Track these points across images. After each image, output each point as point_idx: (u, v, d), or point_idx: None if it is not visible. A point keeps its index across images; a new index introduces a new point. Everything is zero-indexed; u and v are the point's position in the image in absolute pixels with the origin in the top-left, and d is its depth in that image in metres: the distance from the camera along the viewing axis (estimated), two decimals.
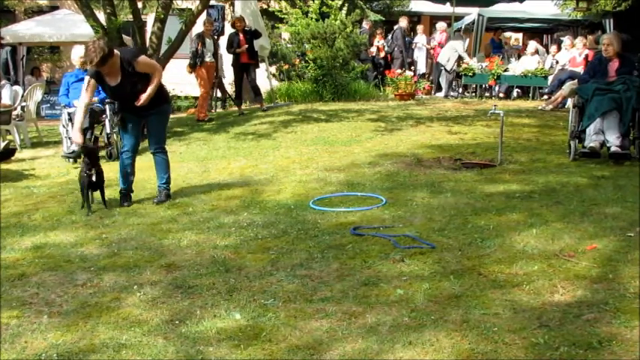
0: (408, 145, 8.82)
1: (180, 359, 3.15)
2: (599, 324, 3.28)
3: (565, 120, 8.78)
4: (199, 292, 3.97)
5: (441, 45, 17.05)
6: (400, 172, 7.21)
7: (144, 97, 6.04)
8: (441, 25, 17.73)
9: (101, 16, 12.09)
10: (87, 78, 6.16)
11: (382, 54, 16.90)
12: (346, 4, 14.38)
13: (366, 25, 16.37)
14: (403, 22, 17.07)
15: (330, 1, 14.16)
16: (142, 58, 6.27)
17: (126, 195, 6.40)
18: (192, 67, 12.07)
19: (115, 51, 5.98)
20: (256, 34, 12.47)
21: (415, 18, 21.76)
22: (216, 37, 12.58)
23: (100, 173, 6.19)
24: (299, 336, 3.32)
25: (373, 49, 16.67)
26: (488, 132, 9.65)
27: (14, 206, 6.45)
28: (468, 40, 16.27)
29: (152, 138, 6.45)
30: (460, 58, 14.96)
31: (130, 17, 12.66)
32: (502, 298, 3.67)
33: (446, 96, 15.24)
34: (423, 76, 17.08)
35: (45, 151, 10.01)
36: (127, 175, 6.41)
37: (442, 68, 15.93)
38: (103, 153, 9.04)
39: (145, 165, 8.56)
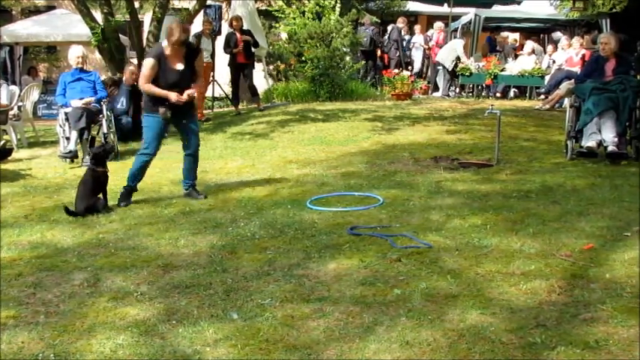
0: (405, 145, 8.82)
1: (178, 359, 3.15)
2: (596, 323, 3.29)
3: (562, 120, 8.79)
4: (196, 292, 3.96)
5: (438, 45, 17.08)
6: (397, 172, 7.22)
7: (192, 91, 6.23)
8: (438, 25, 17.74)
9: (98, 15, 12.09)
10: (151, 60, 6.15)
11: (378, 53, 16.92)
12: (338, 3, 14.38)
13: (367, 22, 16.36)
14: (400, 22, 17.09)
15: (323, 1, 14.16)
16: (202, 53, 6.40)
17: (129, 193, 6.36)
18: None
19: None
20: (255, 44, 12.44)
21: (412, 18, 21.79)
22: (213, 36, 12.55)
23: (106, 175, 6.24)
24: (296, 336, 3.32)
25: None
26: (486, 132, 9.65)
27: (11, 206, 6.44)
28: (465, 40, 16.28)
29: (194, 138, 6.50)
30: (458, 59, 14.97)
31: (127, 17, 12.65)
32: (499, 297, 3.67)
33: (444, 95, 15.24)
34: (419, 75, 17.10)
35: (42, 151, 9.99)
36: (139, 175, 6.40)
37: (439, 68, 15.95)
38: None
39: None
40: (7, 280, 4.28)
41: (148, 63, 6.17)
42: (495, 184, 6.50)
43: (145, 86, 6.17)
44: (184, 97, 6.15)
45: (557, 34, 15.77)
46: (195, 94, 6.32)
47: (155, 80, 6.17)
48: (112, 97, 10.09)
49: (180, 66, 6.19)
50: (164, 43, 6.26)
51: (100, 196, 6.10)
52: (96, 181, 6.10)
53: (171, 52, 6.14)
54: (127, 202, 6.29)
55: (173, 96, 6.11)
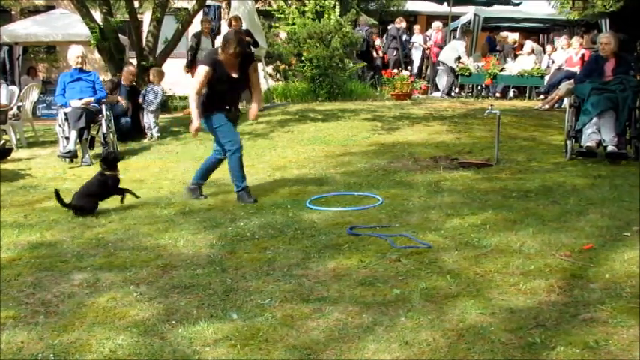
0: (405, 145, 8.82)
1: (177, 359, 3.15)
2: (596, 323, 3.29)
3: (561, 120, 8.80)
4: (196, 291, 3.96)
5: (437, 44, 17.09)
6: (397, 172, 7.22)
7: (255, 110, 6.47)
8: (436, 25, 17.76)
9: (97, 15, 12.10)
10: (205, 67, 6.10)
11: (380, 52, 16.94)
12: (338, 3, 14.39)
13: (362, 21, 16.37)
14: (398, 22, 17.09)
15: (323, 1, 14.17)
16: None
17: (247, 193, 6.31)
18: (188, 67, 12.04)
19: None
20: (254, 44, 12.46)
21: (412, 18, 21.81)
22: (212, 36, 12.53)
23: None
24: (296, 336, 3.32)
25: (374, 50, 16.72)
26: (485, 132, 9.66)
27: (10, 206, 6.44)
28: (466, 40, 16.31)
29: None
30: (459, 58, 14.99)
31: (126, 17, 12.66)
32: (498, 297, 3.67)
33: (446, 95, 15.25)
34: (418, 75, 17.11)
35: (41, 151, 9.99)
36: (241, 173, 6.34)
37: (439, 68, 15.95)
38: (99, 152, 9.03)
39: (140, 165, 8.58)
40: (6, 280, 4.28)
41: (202, 70, 6.12)
42: (495, 183, 6.50)
43: (194, 96, 6.15)
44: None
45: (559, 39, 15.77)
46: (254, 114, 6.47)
47: (209, 85, 6.16)
48: (114, 102, 10.06)
49: (234, 74, 6.19)
50: (218, 49, 6.21)
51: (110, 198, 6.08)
52: (102, 185, 6.08)
53: (226, 60, 6.10)
54: (251, 199, 6.22)
55: (192, 129, 6.24)
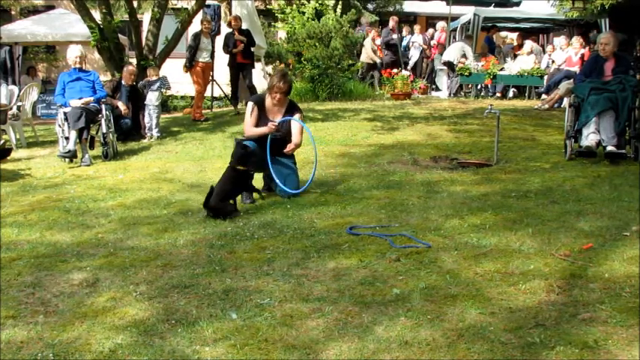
0: (405, 145, 8.82)
1: (177, 359, 3.15)
2: (595, 323, 3.29)
3: (561, 119, 8.79)
4: (195, 291, 3.96)
5: (440, 44, 17.09)
6: (396, 172, 7.22)
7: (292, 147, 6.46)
8: (441, 25, 17.77)
9: (97, 15, 12.09)
10: (251, 104, 6.31)
11: (379, 53, 16.95)
12: (340, 2, 14.38)
13: (364, 21, 16.36)
14: (391, 22, 17.11)
15: (324, 0, 14.20)
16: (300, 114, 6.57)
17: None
18: (187, 67, 12.04)
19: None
20: (251, 42, 12.46)
21: (412, 18, 21.83)
22: (212, 36, 12.53)
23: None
24: (295, 335, 3.32)
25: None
26: (485, 131, 9.66)
27: (10, 206, 6.43)
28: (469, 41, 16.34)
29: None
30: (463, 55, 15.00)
31: (125, 17, 12.65)
32: (498, 297, 3.67)
33: (454, 95, 15.25)
34: (413, 72, 17.14)
35: (41, 151, 9.99)
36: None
37: (440, 68, 15.94)
38: (99, 152, 9.04)
39: (140, 165, 8.57)
40: (6, 280, 4.28)
41: (249, 107, 6.34)
42: (494, 183, 6.50)
43: (252, 129, 6.31)
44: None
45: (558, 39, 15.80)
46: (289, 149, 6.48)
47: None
48: (114, 106, 10.01)
49: (277, 118, 6.36)
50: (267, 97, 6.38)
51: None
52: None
53: (275, 101, 6.31)
54: (250, 201, 6.27)
55: (272, 125, 6.26)
